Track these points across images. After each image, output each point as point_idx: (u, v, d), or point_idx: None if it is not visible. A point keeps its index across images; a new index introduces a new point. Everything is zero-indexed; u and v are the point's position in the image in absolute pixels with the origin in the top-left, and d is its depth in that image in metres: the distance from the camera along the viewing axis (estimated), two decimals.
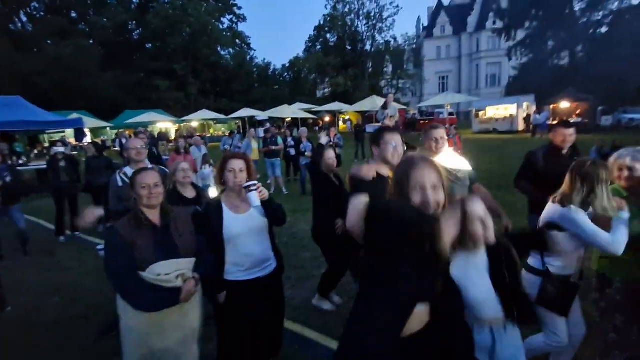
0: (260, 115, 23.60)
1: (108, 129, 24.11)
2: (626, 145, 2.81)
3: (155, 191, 1.73)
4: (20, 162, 10.35)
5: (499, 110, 23.39)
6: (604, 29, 24.28)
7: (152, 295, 1.61)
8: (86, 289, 3.88)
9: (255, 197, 1.89)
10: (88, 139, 17.25)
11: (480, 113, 24.33)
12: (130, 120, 21.87)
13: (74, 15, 34.45)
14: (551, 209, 1.94)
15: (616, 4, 23.73)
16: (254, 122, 25.02)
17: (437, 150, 2.58)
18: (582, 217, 1.82)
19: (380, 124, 5.78)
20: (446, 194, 1.10)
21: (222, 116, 24.51)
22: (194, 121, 24.32)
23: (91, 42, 31.51)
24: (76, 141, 16.47)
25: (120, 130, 20.76)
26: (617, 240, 1.77)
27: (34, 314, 3.44)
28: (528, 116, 20.74)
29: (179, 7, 30.75)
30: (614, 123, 19.66)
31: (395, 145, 2.02)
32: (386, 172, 2.08)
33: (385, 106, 5.75)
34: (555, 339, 1.98)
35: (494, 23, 34.67)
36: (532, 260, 2.03)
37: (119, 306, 1.71)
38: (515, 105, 22.25)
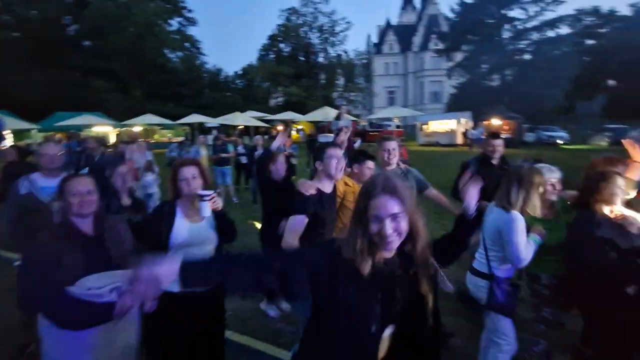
0: (211, 122, 22.82)
1: (34, 131, 21.61)
2: (545, 159, 3.21)
3: (88, 199, 1.58)
4: None
5: (441, 125, 25.22)
6: (527, 56, 27.60)
7: (81, 312, 1.45)
8: None
9: (206, 207, 1.82)
10: (8, 142, 15.33)
11: (424, 127, 26.01)
12: (62, 123, 19.83)
13: None
14: (496, 213, 2.03)
15: (537, 35, 27.10)
16: (203, 129, 24.10)
17: (389, 161, 2.73)
18: (522, 226, 1.91)
19: (334, 135, 5.92)
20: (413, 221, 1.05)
21: (168, 121, 23.25)
22: (138, 126, 22.77)
23: (16, 35, 28.29)
24: None
25: (51, 134, 18.73)
26: (527, 259, 1.92)
27: None
28: (466, 131, 22.59)
29: (122, 4, 28.90)
30: (536, 139, 22.13)
31: (337, 161, 2.09)
32: (329, 188, 2.17)
33: (338, 117, 5.91)
34: (507, 343, 2.00)
35: (436, 44, 37.56)
36: (478, 264, 2.11)
37: (40, 327, 1.52)
38: (454, 121, 24.14)
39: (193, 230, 1.89)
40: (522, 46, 27.77)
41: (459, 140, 23.41)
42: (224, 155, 7.76)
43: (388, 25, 49.95)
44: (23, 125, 19.89)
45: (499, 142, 3.11)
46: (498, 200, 2.05)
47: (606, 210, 1.92)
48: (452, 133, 24.01)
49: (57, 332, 1.48)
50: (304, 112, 25.55)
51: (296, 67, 35.83)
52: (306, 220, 2.02)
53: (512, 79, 27.53)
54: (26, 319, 2.35)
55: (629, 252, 1.83)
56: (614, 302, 1.83)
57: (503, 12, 27.73)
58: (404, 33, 47.96)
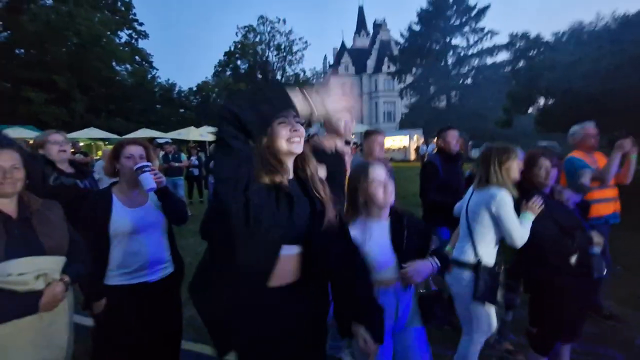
0: (162, 137, 21.78)
1: None
2: None
3: (11, 176, 1.34)
4: None
5: (395, 142, 26.41)
6: (469, 80, 30.22)
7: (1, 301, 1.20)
8: None
9: (149, 179, 1.62)
10: None
11: None
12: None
13: None
14: (477, 194, 2.00)
15: (477, 61, 29.86)
16: (154, 145, 22.88)
17: (379, 155, 2.74)
18: (509, 201, 1.88)
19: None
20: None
21: (114, 136, 21.79)
22: (80, 141, 21.03)
23: None
24: None
25: None
26: (525, 236, 1.86)
27: None
28: (418, 147, 23.84)
29: (64, 13, 27.14)
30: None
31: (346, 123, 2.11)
32: (341, 145, 2.16)
33: None
34: (489, 330, 1.95)
35: (389, 67, 39.72)
36: (459, 253, 2.01)
37: None
38: (407, 137, 25.45)
39: (135, 216, 1.68)
40: (464, 71, 30.39)
41: (412, 156, 24.60)
42: (176, 164, 7.35)
43: (343, 47, 52.07)
44: None
45: (457, 133, 3.14)
46: (477, 182, 2.04)
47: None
48: (405, 149, 25.20)
49: None
50: None
51: (253, 84, 35.75)
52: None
53: (457, 100, 29.87)
54: None
55: (566, 226, 1.93)
56: (558, 276, 1.89)
57: (447, 39, 30.25)
58: (358, 56, 50.21)
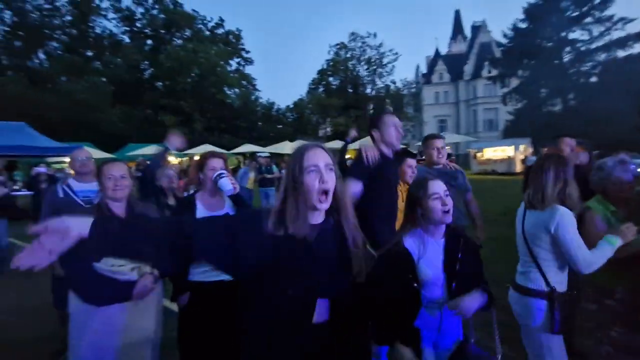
0: (262, 151, 24.09)
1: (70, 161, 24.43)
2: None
3: (121, 183, 1.70)
4: (16, 187, 10.38)
5: (497, 152, 23.81)
6: (593, 79, 25.48)
7: (103, 288, 1.51)
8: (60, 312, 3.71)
9: (227, 183, 1.86)
10: None
11: (478, 154, 24.74)
12: (133, 153, 22.27)
13: (90, 54, 36.43)
14: (531, 215, 1.78)
15: (603, 56, 25.06)
16: (254, 158, 25.46)
17: (438, 160, 2.64)
18: (572, 220, 1.65)
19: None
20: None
21: (224, 151, 25.00)
22: (197, 155, 24.73)
23: (104, 79, 33.02)
24: None
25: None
26: (595, 262, 1.60)
27: (3, 332, 3.26)
28: (525, 158, 21.02)
29: (190, 50, 32.58)
30: None
31: (396, 129, 2.03)
32: (388, 152, 2.10)
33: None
34: None
35: (489, 72, 36.37)
36: (525, 279, 1.78)
37: (70, 302, 1.61)
38: (512, 148, 22.68)
39: None
40: (585, 68, 25.79)
41: (518, 168, 21.79)
42: (268, 176, 8.00)
43: (437, 55, 49.81)
44: (102, 155, 22.73)
45: (569, 141, 2.87)
46: (528, 200, 1.79)
47: None
48: (509, 160, 22.50)
49: (83, 309, 1.55)
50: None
51: (344, 99, 36.80)
52: (361, 186, 1.94)
53: (577, 102, 25.42)
54: (60, 321, 2.49)
55: None
56: None
57: (562, 34, 26.24)
58: (453, 62, 47.36)
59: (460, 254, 1.44)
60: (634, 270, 1.75)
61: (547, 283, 1.69)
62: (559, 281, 1.72)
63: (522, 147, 22.31)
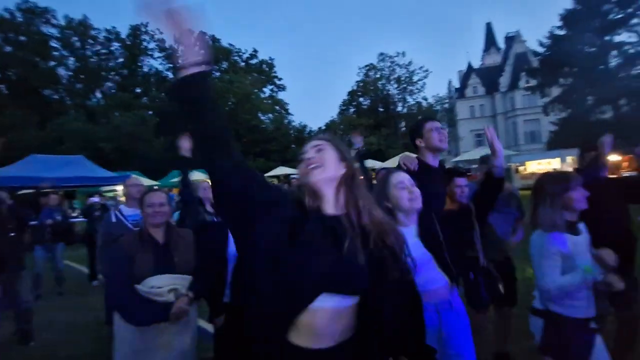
0: (295, 173, 24.51)
1: (155, 187, 26.07)
2: None
3: (160, 210, 1.85)
4: (74, 214, 11.36)
5: (542, 165, 22.45)
6: None
7: (144, 308, 1.63)
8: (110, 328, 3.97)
9: None
10: None
11: (521, 168, 23.45)
12: (175, 179, 23.60)
13: (138, 90, 39.86)
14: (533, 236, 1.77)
15: None
16: (288, 180, 25.96)
17: (460, 199, 2.59)
18: (547, 245, 1.63)
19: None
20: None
21: None
22: None
23: (150, 112, 35.83)
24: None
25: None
26: (557, 289, 1.53)
27: (54, 350, 3.52)
28: (574, 170, 19.63)
29: (226, 80, 34.65)
30: None
31: (438, 133, 1.95)
32: (435, 162, 2.02)
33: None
34: None
35: (527, 82, 34.91)
36: (535, 300, 1.74)
37: (114, 321, 1.74)
38: (558, 160, 21.31)
39: None
40: (638, 71, 23.98)
41: None
42: None
43: (470, 68, 48.82)
44: (149, 182, 24.38)
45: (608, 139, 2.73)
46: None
47: None
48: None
49: (124, 329, 1.67)
50: (384, 160, 25.68)
51: (375, 118, 36.92)
52: None
53: (630, 109, 23.53)
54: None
55: None
56: None
57: (606, 38, 24.78)
58: (488, 75, 46.07)
59: (437, 226, 1.39)
60: None
61: (542, 303, 1.67)
62: (564, 305, 1.60)
63: (569, 159, 20.85)
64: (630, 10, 23.71)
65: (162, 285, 1.68)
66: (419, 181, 1.86)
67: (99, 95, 38.41)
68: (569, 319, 1.59)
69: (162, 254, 1.79)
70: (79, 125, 28.52)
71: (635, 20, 23.73)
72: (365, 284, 0.89)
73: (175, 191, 20.74)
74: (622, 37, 24.63)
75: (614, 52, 25.00)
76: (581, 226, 1.76)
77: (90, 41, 36.23)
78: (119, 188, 17.82)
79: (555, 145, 26.60)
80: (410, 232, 1.42)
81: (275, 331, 0.86)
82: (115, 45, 38.15)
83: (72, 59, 35.46)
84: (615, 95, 24.00)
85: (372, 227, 0.95)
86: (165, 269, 1.74)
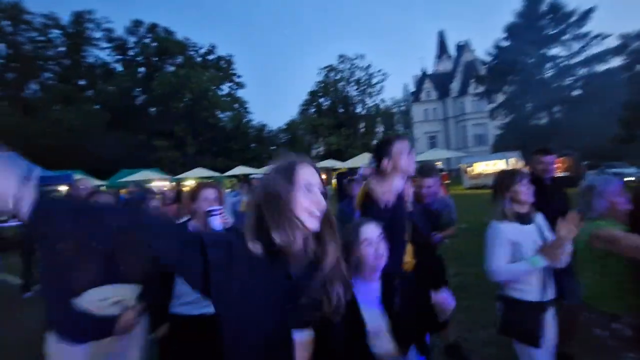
0: (256, 172, 24.07)
1: (103, 188, 24.23)
2: None
3: None
4: (3, 218, 10.20)
5: (488, 166, 24.12)
6: (576, 92, 26.37)
7: (82, 324, 1.48)
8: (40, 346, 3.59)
9: (216, 221, 1.84)
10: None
11: (469, 169, 25.01)
12: (125, 179, 22.06)
13: (83, 83, 36.77)
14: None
15: (583, 70, 26.06)
16: (248, 180, 25.44)
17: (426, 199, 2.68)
18: (495, 234, 1.86)
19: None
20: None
21: (217, 174, 24.94)
22: (190, 179, 24.66)
23: (97, 107, 33.22)
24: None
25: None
26: (504, 273, 1.77)
27: None
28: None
29: (182, 75, 33.10)
30: None
31: (407, 154, 1.75)
32: (401, 184, 1.82)
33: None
34: None
35: (476, 88, 37.39)
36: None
37: (47, 341, 1.57)
38: (503, 161, 22.99)
39: None
40: (568, 82, 26.73)
41: None
42: None
43: (424, 74, 51.21)
44: (95, 182, 22.55)
45: (549, 159, 2.77)
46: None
47: None
48: None
49: (59, 348, 1.51)
50: (344, 160, 26.06)
51: (336, 119, 37.39)
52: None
53: (562, 115, 26.16)
54: None
55: None
56: None
57: (542, 51, 27.31)
58: (440, 80, 48.69)
59: (398, 295, 1.35)
60: None
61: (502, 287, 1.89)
62: (520, 289, 1.82)
63: (512, 161, 22.62)
64: (562, 26, 26.34)
65: (105, 297, 1.53)
66: (394, 210, 1.75)
67: (35, 86, 34.86)
68: (521, 301, 1.79)
69: (105, 263, 1.64)
70: (13, 120, 25.62)
71: (566, 36, 26.41)
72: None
73: (124, 192, 19.42)
74: (556, 50, 27.33)
75: (549, 64, 27.63)
76: (537, 217, 1.95)
77: (24, 26, 32.73)
78: (62, 188, 16.32)
79: (499, 147, 28.78)
80: (374, 288, 1.41)
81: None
82: (55, 32, 34.83)
83: (2, 45, 31.82)
84: (550, 102, 26.53)
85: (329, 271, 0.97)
86: (108, 278, 1.60)
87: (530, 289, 1.81)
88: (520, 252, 1.79)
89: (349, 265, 1.30)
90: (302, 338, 0.96)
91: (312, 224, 0.92)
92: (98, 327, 1.50)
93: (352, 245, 1.38)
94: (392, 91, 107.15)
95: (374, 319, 1.32)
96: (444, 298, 1.39)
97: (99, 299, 1.52)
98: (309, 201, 0.92)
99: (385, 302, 1.36)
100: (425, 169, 2.72)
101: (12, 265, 6.92)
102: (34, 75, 33.77)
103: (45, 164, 17.58)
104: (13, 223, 10.02)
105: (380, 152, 1.78)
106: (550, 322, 1.84)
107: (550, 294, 1.84)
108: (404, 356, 1.30)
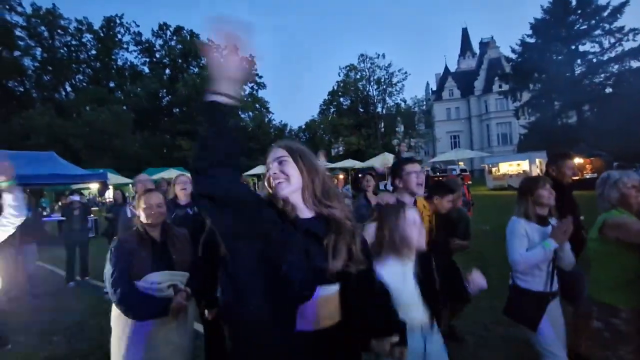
0: None
1: (130, 185, 25.27)
2: None
3: (156, 211, 1.89)
4: (44, 213, 10.89)
5: (512, 167, 23.50)
6: (608, 90, 25.20)
7: (143, 303, 1.68)
8: (89, 329, 3.90)
9: None
10: (110, 193, 18.08)
11: (494, 169, 24.43)
12: (152, 177, 22.95)
13: (112, 85, 38.41)
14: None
15: (616, 67, 24.87)
16: None
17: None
18: (516, 229, 2.04)
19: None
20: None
21: None
22: None
23: (125, 108, 34.65)
24: (99, 195, 17.21)
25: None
26: (523, 261, 1.95)
27: (32, 352, 3.45)
28: (542, 172, 20.67)
29: (205, 76, 34.02)
30: None
31: (417, 175, 2.02)
32: (410, 203, 2.04)
33: (399, 154, 6.13)
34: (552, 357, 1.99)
35: (500, 86, 36.38)
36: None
37: (112, 316, 1.78)
38: (527, 162, 22.35)
39: None
40: (599, 79, 25.57)
41: None
42: None
43: (447, 72, 50.29)
44: (122, 180, 23.52)
45: (571, 164, 2.86)
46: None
47: None
48: (525, 174, 22.14)
49: (123, 323, 1.72)
50: (363, 160, 26.04)
51: (356, 118, 37.35)
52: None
53: (592, 114, 25.08)
54: None
55: None
56: None
57: (572, 47, 26.26)
58: (463, 78, 47.64)
59: (434, 271, 1.56)
60: None
61: (512, 277, 2.12)
62: (526, 280, 2.02)
63: (538, 161, 21.95)
64: (593, 22, 25.23)
65: (162, 281, 1.73)
66: None
67: (68, 88, 36.70)
68: (526, 290, 2.01)
69: (159, 252, 1.84)
70: (47, 119, 27.14)
71: (597, 32, 25.27)
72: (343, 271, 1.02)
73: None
74: (586, 46, 26.19)
75: (579, 61, 26.52)
76: (552, 221, 2.11)
77: (60, 31, 34.54)
78: (92, 186, 17.19)
79: (525, 147, 27.91)
80: (410, 267, 1.56)
81: (279, 321, 0.96)
82: (88, 36, 36.58)
83: (39, 49, 33.70)
84: (579, 101, 25.48)
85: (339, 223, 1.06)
86: (163, 265, 1.79)
87: (537, 280, 2.02)
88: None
89: (386, 243, 1.53)
90: (328, 293, 1.01)
91: (280, 190, 1.04)
92: (155, 307, 1.70)
93: (395, 225, 1.53)
94: (414, 90, 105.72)
95: (410, 293, 1.49)
96: (477, 276, 1.66)
97: (157, 282, 1.72)
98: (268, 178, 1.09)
99: (421, 277, 1.54)
100: (450, 185, 2.77)
101: (54, 258, 7.44)
102: (67, 77, 35.60)
103: (78, 163, 18.61)
104: (52, 218, 10.71)
105: (393, 172, 2.14)
106: (554, 311, 2.03)
107: (554, 287, 2.05)
108: (434, 326, 1.49)
